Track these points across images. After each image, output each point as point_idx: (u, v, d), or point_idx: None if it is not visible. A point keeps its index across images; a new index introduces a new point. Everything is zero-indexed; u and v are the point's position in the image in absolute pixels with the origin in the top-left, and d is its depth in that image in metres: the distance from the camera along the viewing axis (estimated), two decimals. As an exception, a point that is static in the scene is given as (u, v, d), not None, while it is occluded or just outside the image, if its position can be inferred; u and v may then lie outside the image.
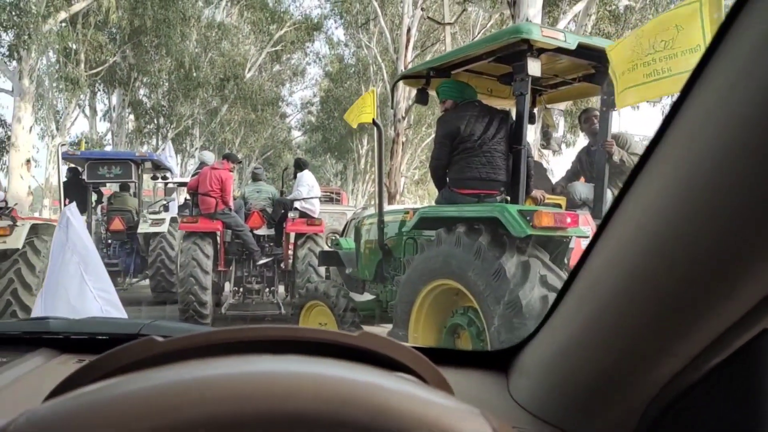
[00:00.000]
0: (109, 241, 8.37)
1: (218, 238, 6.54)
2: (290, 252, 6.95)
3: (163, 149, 12.01)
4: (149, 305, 7.72)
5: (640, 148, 4.10)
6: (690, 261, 0.49)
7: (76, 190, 7.79)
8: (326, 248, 6.56)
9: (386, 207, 5.10)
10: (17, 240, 4.86)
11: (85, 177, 7.76)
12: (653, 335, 0.57)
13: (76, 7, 13.58)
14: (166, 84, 21.69)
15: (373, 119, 4.75)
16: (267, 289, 6.99)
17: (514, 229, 3.01)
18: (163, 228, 7.82)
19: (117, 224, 8.13)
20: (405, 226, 4.16)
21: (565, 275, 3.15)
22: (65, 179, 7.82)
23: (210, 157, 7.92)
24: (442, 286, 3.50)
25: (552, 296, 2.93)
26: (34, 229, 5.18)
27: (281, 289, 7.26)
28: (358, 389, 0.36)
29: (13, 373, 0.91)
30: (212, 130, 24.69)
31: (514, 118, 3.79)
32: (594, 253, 0.66)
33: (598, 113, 4.17)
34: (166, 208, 8.67)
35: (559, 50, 3.34)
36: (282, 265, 7.05)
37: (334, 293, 4.58)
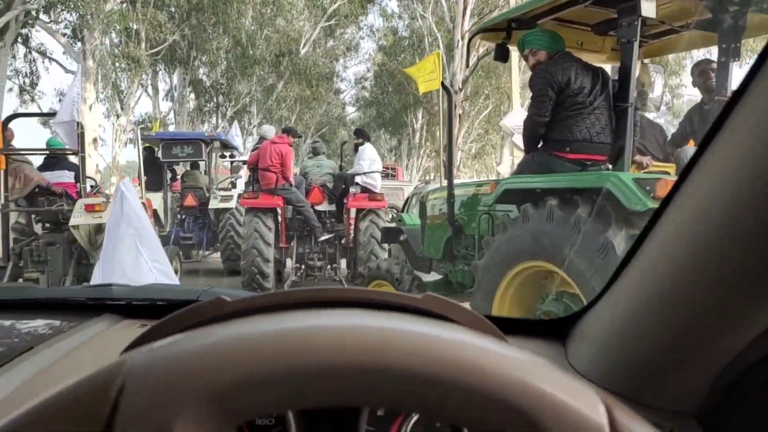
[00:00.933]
0: (183, 216, 8.79)
1: (279, 214, 6.50)
2: (351, 228, 6.83)
3: (229, 130, 12.12)
4: (220, 276, 8.05)
5: None
6: (762, 238, 0.49)
7: (151, 168, 8.12)
8: (388, 224, 6.29)
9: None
10: None
11: (160, 156, 8.14)
12: (724, 308, 0.57)
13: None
14: (224, 62, 21.99)
15: (443, 83, 4.49)
16: (329, 266, 6.86)
17: (629, 200, 2.55)
18: (232, 204, 8.06)
19: (190, 200, 8.59)
20: (484, 201, 3.76)
21: None
22: (145, 157, 8.05)
23: (270, 131, 7.93)
24: (531, 269, 3.08)
25: None
26: None
27: (343, 265, 7.16)
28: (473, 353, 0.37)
29: (79, 337, 0.94)
30: (269, 108, 24.96)
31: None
32: (664, 221, 0.65)
33: (714, 65, 3.59)
34: (234, 185, 9.03)
35: None
36: (343, 241, 6.92)
37: (398, 270, 4.35)
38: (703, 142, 0.56)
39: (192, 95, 23.08)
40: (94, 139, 13.56)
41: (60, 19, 14.15)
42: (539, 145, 3.38)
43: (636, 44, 2.97)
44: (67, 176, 6.05)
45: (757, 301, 0.54)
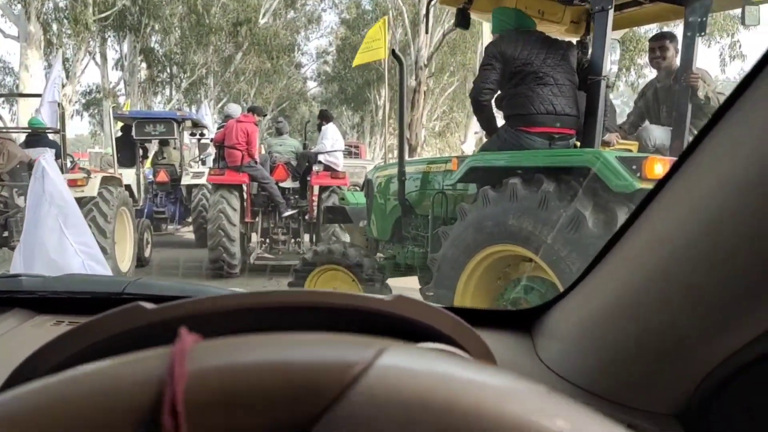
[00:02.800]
0: (156, 191, 9.32)
1: (245, 191, 6.78)
2: (315, 204, 7.09)
3: (200, 109, 13.11)
4: (191, 248, 8.59)
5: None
6: (756, 236, 0.48)
7: (124, 146, 8.65)
8: (332, 204, 6.26)
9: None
10: (93, 189, 5.63)
11: (133, 134, 8.56)
12: (714, 307, 0.54)
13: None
14: (178, 30, 20.96)
15: (393, 51, 4.19)
16: (293, 240, 7.24)
17: (613, 181, 2.42)
18: (203, 180, 8.53)
19: (162, 176, 9.12)
20: (442, 179, 3.57)
21: None
22: (118, 136, 8.79)
23: (236, 109, 8.11)
24: (498, 253, 2.93)
25: None
26: (104, 180, 5.90)
27: (306, 239, 7.48)
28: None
29: None
30: (227, 80, 24.07)
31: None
32: (652, 211, 0.61)
33: (668, 42, 3.59)
34: (203, 162, 9.74)
35: None
36: (307, 216, 7.24)
37: (355, 254, 4.00)
38: (698, 137, 0.53)
39: (143, 65, 21.91)
40: (37, 110, 12.68)
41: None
42: (494, 120, 3.31)
43: (611, 12, 2.83)
44: (48, 153, 6.39)
45: (751, 302, 0.51)
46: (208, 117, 12.28)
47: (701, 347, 0.57)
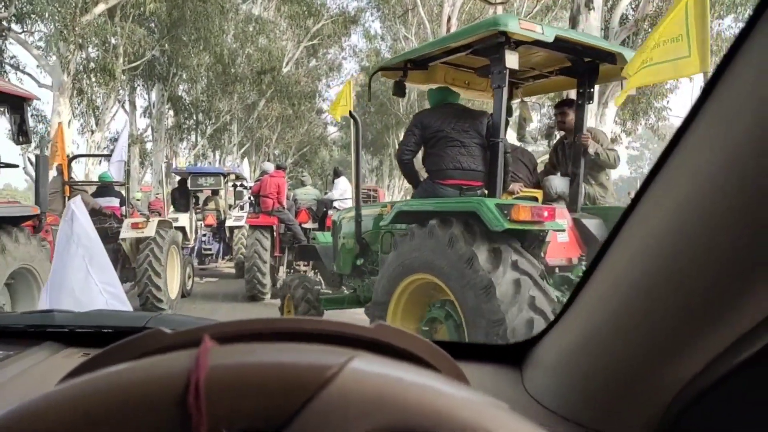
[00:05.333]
0: (204, 232, 11.00)
1: (274, 230, 8.37)
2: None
3: (240, 165, 15.65)
4: (232, 279, 10.59)
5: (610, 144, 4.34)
6: (714, 260, 0.50)
7: (180, 194, 10.35)
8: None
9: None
10: (151, 231, 6.67)
11: (189, 185, 10.33)
12: (677, 332, 0.57)
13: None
14: (205, 79, 21.70)
15: (350, 111, 4.98)
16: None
17: (491, 222, 3.00)
18: (242, 222, 10.30)
19: (210, 220, 10.96)
20: (382, 221, 4.07)
21: (540, 265, 3.13)
22: (175, 186, 10.82)
23: (270, 167, 9.55)
24: (419, 281, 3.49)
25: (525, 280, 2.94)
26: (159, 224, 6.97)
27: None
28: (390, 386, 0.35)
29: (18, 366, 0.92)
30: (250, 126, 24.67)
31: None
32: (615, 248, 0.65)
33: (569, 107, 4.18)
34: (242, 208, 11.64)
35: (537, 43, 3.29)
36: None
37: (294, 284, 4.85)
38: (655, 167, 0.56)
39: (171, 112, 22.63)
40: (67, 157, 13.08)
41: (33, 30, 13.70)
42: (417, 175, 4.01)
43: (505, 90, 3.40)
44: (114, 201, 7.91)
45: (710, 325, 0.53)
46: (247, 171, 14.99)
47: (668, 369, 0.59)
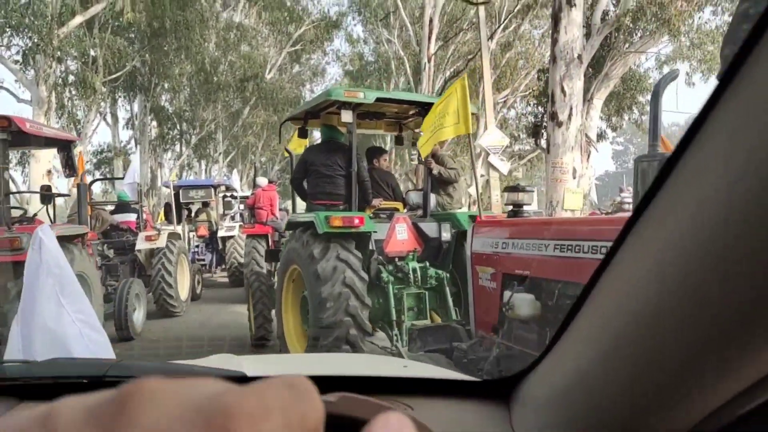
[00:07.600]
0: (197, 243, 11.53)
1: (269, 238, 9.29)
2: None
3: (230, 177, 15.90)
4: (225, 287, 11.11)
5: (452, 164, 5.86)
6: (727, 291, 0.45)
7: (174, 207, 10.80)
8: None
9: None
10: (162, 242, 7.63)
11: (180, 199, 10.81)
12: (680, 374, 0.51)
13: (93, 10, 13.25)
14: (187, 88, 21.50)
15: (286, 148, 6.16)
16: None
17: (319, 228, 4.14)
18: (234, 233, 10.89)
19: (203, 231, 11.44)
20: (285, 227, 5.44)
21: (359, 255, 4.23)
22: (168, 201, 11.26)
23: (263, 181, 10.32)
24: (296, 270, 4.65)
25: (341, 265, 4.07)
26: (170, 235, 7.95)
27: None
28: None
29: None
30: (235, 134, 24.48)
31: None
32: (612, 271, 0.59)
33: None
34: (232, 218, 12.12)
35: (362, 104, 4.45)
36: None
37: (252, 279, 5.96)
38: (644, 200, 0.52)
39: (154, 123, 22.39)
40: (48, 171, 12.86)
41: (10, 44, 13.46)
42: (306, 195, 5.09)
43: (354, 133, 4.61)
44: (130, 217, 8.67)
45: (716, 370, 0.48)
46: (237, 182, 15.19)
47: (676, 409, 0.55)
